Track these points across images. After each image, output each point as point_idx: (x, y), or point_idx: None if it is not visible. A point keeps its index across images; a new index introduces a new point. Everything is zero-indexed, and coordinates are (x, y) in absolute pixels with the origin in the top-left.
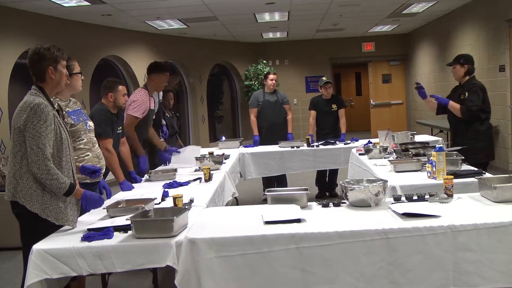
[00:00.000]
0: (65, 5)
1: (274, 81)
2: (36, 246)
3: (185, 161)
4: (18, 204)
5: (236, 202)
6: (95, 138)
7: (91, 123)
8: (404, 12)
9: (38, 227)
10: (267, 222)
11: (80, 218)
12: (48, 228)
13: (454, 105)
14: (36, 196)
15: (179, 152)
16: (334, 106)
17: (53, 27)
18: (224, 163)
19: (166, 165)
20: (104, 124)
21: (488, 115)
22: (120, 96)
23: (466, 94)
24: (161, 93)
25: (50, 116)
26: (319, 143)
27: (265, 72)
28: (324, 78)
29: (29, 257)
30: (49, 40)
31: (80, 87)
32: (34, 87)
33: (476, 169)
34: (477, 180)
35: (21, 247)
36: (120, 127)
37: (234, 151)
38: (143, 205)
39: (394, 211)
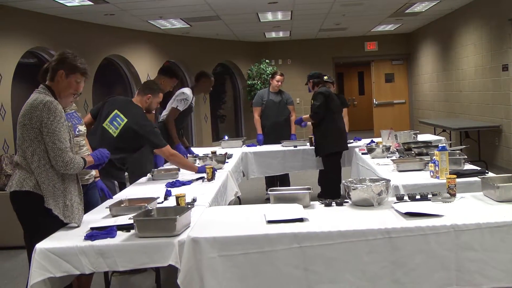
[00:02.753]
0: (68, 4)
1: (280, 83)
2: (40, 245)
3: None
4: (34, 197)
5: (238, 201)
6: (83, 141)
7: (81, 127)
8: (407, 11)
9: (41, 223)
10: (269, 222)
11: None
12: (51, 224)
13: (305, 117)
14: (48, 192)
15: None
16: None
17: (56, 27)
18: (227, 162)
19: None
20: (160, 134)
21: (328, 114)
22: (155, 103)
23: (312, 102)
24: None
25: (62, 113)
26: None
27: (267, 71)
28: (325, 77)
29: (33, 256)
30: (52, 40)
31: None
32: (43, 86)
33: (479, 168)
34: (480, 179)
35: (24, 246)
36: None
37: (237, 150)
38: (146, 204)
39: (396, 211)
